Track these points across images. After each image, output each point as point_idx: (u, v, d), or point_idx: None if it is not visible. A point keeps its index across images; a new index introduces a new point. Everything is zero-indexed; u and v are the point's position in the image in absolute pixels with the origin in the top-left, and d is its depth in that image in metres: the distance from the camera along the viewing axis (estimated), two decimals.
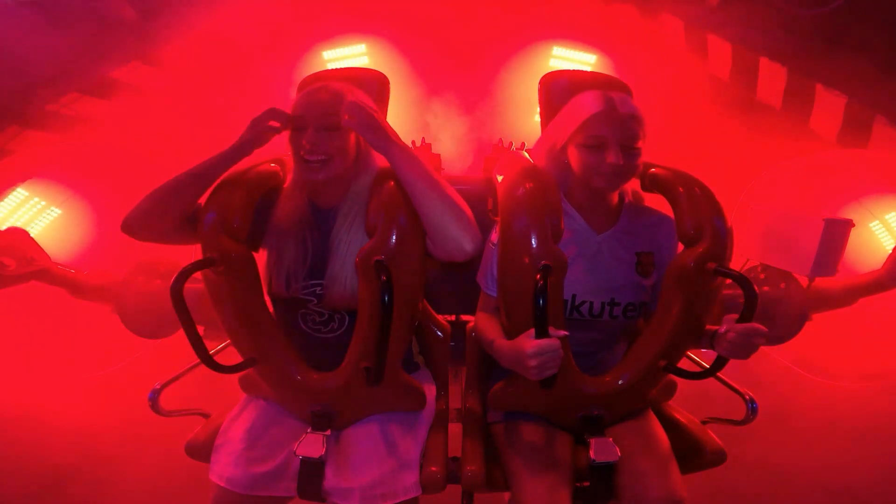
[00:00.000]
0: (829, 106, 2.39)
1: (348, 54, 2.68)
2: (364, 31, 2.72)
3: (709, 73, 2.68)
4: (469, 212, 1.08)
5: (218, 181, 1.13)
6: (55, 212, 2.28)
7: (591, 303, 1.17)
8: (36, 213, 2.21)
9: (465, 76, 2.83)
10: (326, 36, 2.71)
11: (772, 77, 2.49)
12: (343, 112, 1.04)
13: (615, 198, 1.21)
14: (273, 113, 1.09)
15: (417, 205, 1.05)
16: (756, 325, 0.98)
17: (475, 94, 2.82)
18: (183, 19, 2.44)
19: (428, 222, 1.06)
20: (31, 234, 1.92)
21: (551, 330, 0.96)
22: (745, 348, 0.99)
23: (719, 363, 1.05)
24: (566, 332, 0.99)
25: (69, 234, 2.28)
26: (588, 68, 2.63)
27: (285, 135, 1.14)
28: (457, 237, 1.05)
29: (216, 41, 2.55)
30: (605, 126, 1.08)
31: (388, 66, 2.67)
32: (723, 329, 1.01)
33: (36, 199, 2.22)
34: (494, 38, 2.77)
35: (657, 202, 1.24)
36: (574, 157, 1.13)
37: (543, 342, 0.94)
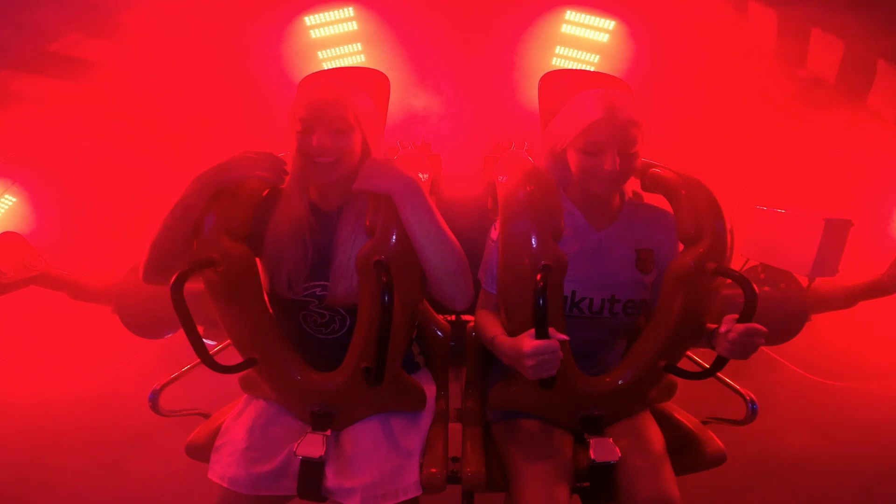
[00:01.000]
0: (891, 83, 2.21)
1: (334, 19, 2.33)
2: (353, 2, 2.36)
3: (750, 43, 2.33)
4: (467, 269, 1.13)
5: None
6: (9, 200, 2.22)
7: (591, 299, 1.17)
8: None
9: (465, 74, 2.76)
10: (309, 4, 2.36)
11: (824, 48, 2.25)
12: (360, 180, 1.08)
13: (615, 196, 1.21)
14: (276, 162, 1.11)
15: (420, 256, 1.08)
16: (756, 325, 0.98)
17: (476, 93, 2.78)
18: None
19: (427, 273, 1.10)
20: None
21: (552, 332, 0.96)
22: (745, 348, 0.99)
23: (719, 363, 1.05)
24: (566, 337, 0.99)
25: (27, 223, 2.21)
26: (605, 36, 2.33)
27: (285, 134, 1.14)
28: (451, 295, 1.13)
29: (189, 10, 2.29)
30: (603, 133, 1.07)
31: (381, 49, 2.36)
32: (723, 329, 1.01)
33: None
34: (498, 24, 2.52)
35: (657, 202, 1.24)
36: (573, 161, 1.13)
37: (542, 343, 0.94)
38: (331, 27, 2.32)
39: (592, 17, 2.29)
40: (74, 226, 2.30)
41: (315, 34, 2.33)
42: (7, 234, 1.74)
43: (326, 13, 2.29)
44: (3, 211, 2.17)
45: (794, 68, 2.36)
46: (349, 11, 2.31)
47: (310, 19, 2.30)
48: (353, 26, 2.33)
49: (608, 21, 2.28)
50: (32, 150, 2.30)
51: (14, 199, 2.21)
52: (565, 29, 2.32)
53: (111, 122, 2.38)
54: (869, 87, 2.25)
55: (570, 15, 2.29)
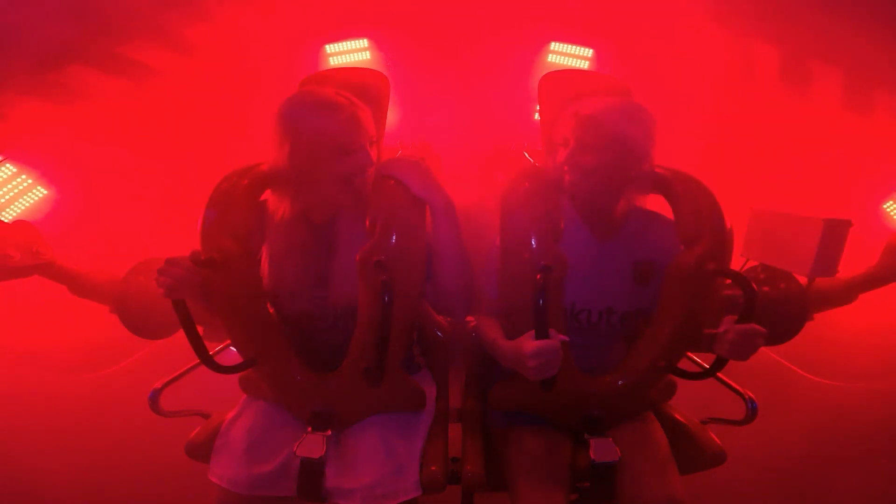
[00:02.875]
0: (828, 79, 2.32)
1: (351, 49, 2.59)
2: (365, 31, 2.67)
3: (718, 62, 2.56)
4: (474, 286, 1.19)
5: (221, 180, 1.14)
6: (41, 192, 2.25)
7: (590, 311, 1.18)
8: (22, 191, 2.18)
9: (465, 74, 2.80)
10: (330, 36, 2.65)
11: (767, 56, 2.42)
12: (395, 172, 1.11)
13: (617, 204, 1.20)
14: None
15: (437, 268, 1.13)
16: (755, 325, 0.98)
17: (476, 93, 2.80)
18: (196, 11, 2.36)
19: (438, 285, 1.15)
20: (14, 213, 1.90)
21: (552, 333, 0.96)
22: (744, 348, 0.99)
23: (719, 363, 1.05)
24: (566, 338, 0.99)
25: (53, 216, 2.24)
26: (585, 63, 2.62)
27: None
28: (452, 307, 1.22)
29: (225, 33, 2.47)
30: (603, 132, 1.07)
31: (388, 62, 2.60)
32: (722, 330, 1.01)
33: (23, 177, 2.20)
34: (493, 35, 2.72)
35: (657, 202, 1.23)
36: (573, 163, 1.12)
37: (543, 343, 0.94)
38: (348, 56, 2.59)
39: (573, 48, 2.59)
40: (85, 222, 2.32)
41: (334, 62, 2.57)
42: (20, 221, 1.79)
43: (344, 43, 2.56)
44: (32, 201, 2.22)
45: (774, 79, 2.48)
46: (364, 42, 2.59)
47: (330, 48, 2.55)
48: (366, 56, 2.60)
49: (586, 50, 2.59)
50: (65, 143, 2.35)
51: (45, 192, 2.24)
52: (551, 58, 2.64)
53: (137, 127, 2.46)
54: (809, 86, 2.36)
55: (555, 46, 2.61)
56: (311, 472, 1.11)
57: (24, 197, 2.20)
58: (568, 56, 2.62)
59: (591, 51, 2.59)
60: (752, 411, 1.24)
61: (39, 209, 2.23)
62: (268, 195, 1.20)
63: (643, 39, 2.52)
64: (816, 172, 2.31)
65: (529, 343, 0.96)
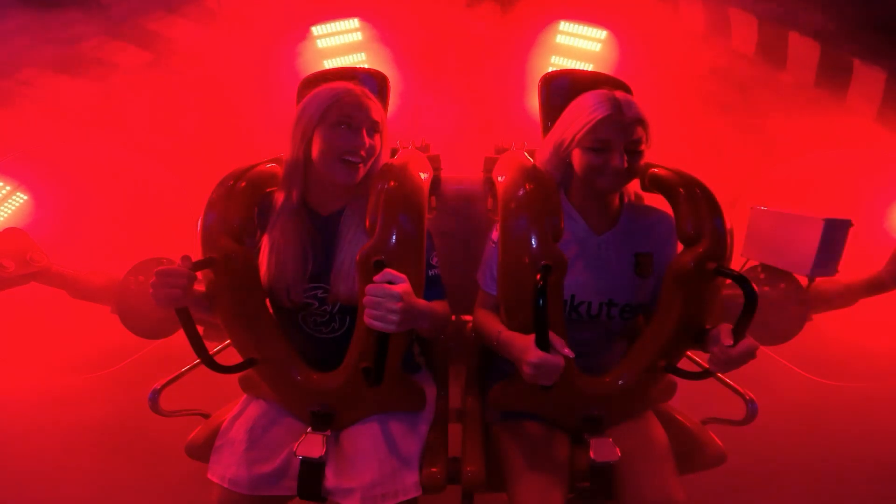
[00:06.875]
0: (868, 82, 2.25)
1: (341, 29, 2.40)
2: (356, 10, 2.46)
3: (733, 51, 2.39)
4: (448, 318, 1.23)
5: (220, 180, 1.14)
6: (22, 197, 2.22)
7: (590, 303, 1.17)
8: (1, 199, 2.13)
9: (465, 73, 2.75)
10: (317, 15, 2.43)
11: (803, 52, 2.30)
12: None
13: (616, 199, 1.21)
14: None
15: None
16: (749, 343, 0.97)
17: (476, 92, 2.77)
18: None
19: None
20: None
21: (558, 346, 0.96)
22: (739, 364, 0.99)
23: None
24: (572, 354, 0.98)
25: (33, 220, 2.21)
26: (597, 45, 2.42)
27: (283, 136, 1.14)
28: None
29: (200, 16, 2.35)
30: (611, 129, 1.07)
31: (384, 58, 2.47)
32: (716, 349, 1.01)
33: (0, 184, 2.16)
34: (495, 14, 2.59)
35: (657, 202, 1.24)
36: (578, 159, 1.13)
37: (548, 359, 0.94)
38: (337, 37, 2.42)
39: (585, 28, 2.39)
40: (77, 225, 2.31)
41: (322, 44, 2.42)
42: (11, 229, 1.75)
43: (333, 24, 2.39)
44: (13, 208, 2.19)
45: (776, 71, 2.41)
46: (354, 23, 2.42)
47: (317, 29, 2.39)
48: (358, 37, 2.43)
49: (600, 31, 2.38)
50: (42, 147, 2.31)
51: (25, 197, 2.21)
52: (560, 39, 2.43)
53: (123, 124, 2.40)
54: (847, 87, 2.29)
55: (565, 26, 2.41)
56: (311, 472, 1.11)
57: (6, 204, 2.16)
58: (579, 37, 2.40)
59: (605, 32, 2.37)
60: (752, 411, 1.24)
61: (23, 215, 2.18)
62: (275, 188, 1.21)
63: (660, 22, 2.39)
64: (820, 173, 2.30)
65: (534, 352, 0.95)
